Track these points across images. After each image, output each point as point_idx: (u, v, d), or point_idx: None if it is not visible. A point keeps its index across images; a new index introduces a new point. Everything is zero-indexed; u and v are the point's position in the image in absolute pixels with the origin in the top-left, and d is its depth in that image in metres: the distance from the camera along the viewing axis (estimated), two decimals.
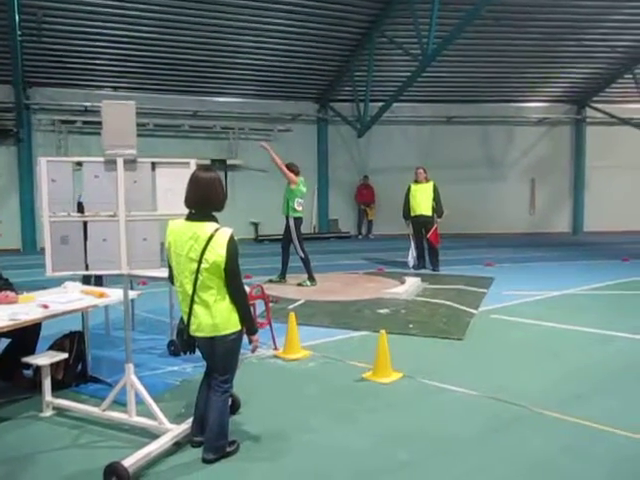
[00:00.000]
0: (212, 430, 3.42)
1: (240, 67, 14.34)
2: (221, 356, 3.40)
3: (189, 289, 3.30)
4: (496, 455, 3.53)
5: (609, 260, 11.77)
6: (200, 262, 3.22)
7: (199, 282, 3.25)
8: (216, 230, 3.25)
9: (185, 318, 3.39)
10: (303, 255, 8.88)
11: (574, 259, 12.06)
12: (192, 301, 3.30)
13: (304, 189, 9.01)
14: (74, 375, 4.66)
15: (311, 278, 8.87)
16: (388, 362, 4.86)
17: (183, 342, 3.51)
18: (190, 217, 3.33)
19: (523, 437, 3.77)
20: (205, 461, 3.42)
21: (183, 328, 3.44)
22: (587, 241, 15.71)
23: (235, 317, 3.32)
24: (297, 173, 8.94)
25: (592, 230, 17.36)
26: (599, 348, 5.76)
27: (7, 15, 10.49)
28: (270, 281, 8.91)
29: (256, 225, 15.70)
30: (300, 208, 8.93)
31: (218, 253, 3.20)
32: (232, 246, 3.23)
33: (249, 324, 3.42)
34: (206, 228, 3.25)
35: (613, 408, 4.20)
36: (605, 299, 8.09)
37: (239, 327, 3.35)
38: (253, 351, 3.58)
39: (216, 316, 3.28)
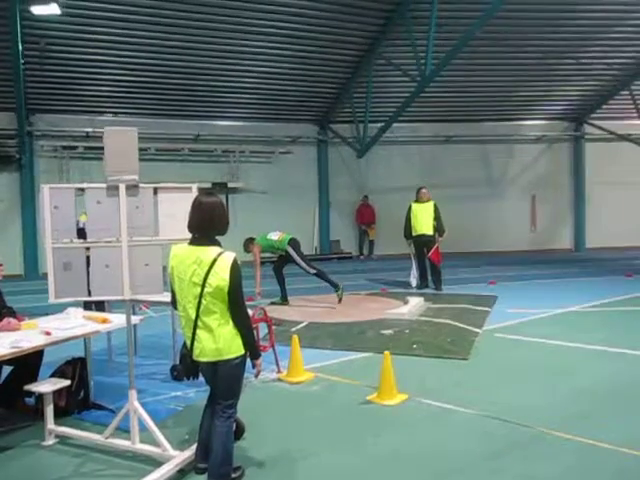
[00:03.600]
0: (217, 456, 3.37)
1: (240, 91, 14.48)
2: (225, 381, 3.37)
3: (192, 314, 3.28)
4: (501, 476, 3.49)
5: (612, 276, 11.74)
6: (203, 286, 3.21)
7: (202, 307, 3.24)
8: (219, 254, 3.24)
9: (188, 343, 3.36)
10: (315, 271, 8.92)
11: (577, 276, 12.03)
12: (195, 326, 3.28)
13: (267, 238, 9.09)
14: (76, 402, 4.63)
15: (335, 286, 8.89)
16: (393, 384, 4.82)
17: (187, 367, 3.47)
18: (193, 242, 3.33)
19: (529, 458, 3.72)
20: None
21: (186, 353, 3.42)
22: (589, 257, 15.67)
23: (238, 341, 3.30)
24: (252, 240, 9.10)
25: (594, 246, 17.33)
26: (604, 366, 5.71)
27: (10, 44, 10.64)
28: (272, 303, 8.90)
29: None
30: (276, 237, 9.01)
31: (221, 277, 3.19)
32: (235, 270, 3.22)
33: (252, 348, 3.40)
34: (209, 252, 3.24)
35: (619, 427, 4.15)
36: (609, 316, 8.05)
37: (242, 351, 3.32)
38: (256, 376, 3.57)
39: (219, 341, 3.25)
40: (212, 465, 3.40)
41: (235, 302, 3.26)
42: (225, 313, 3.26)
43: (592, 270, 12.85)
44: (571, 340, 6.56)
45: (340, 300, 8.81)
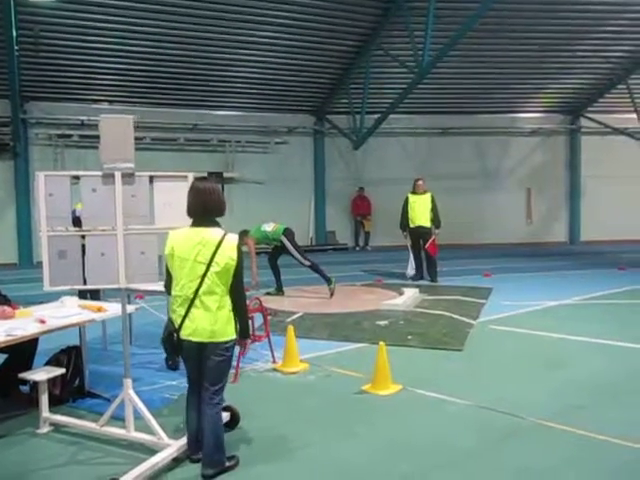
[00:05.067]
0: (208, 444, 3.40)
1: (237, 80, 14.41)
2: (215, 365, 3.39)
3: (191, 293, 3.32)
4: (497, 467, 3.51)
5: (606, 269, 11.79)
6: (209, 266, 3.29)
7: (205, 286, 3.31)
8: (224, 235, 3.36)
9: (178, 321, 3.37)
10: (309, 263, 8.91)
11: (571, 269, 12.08)
12: (191, 304, 3.33)
13: (260, 229, 9.06)
14: (71, 390, 4.63)
15: (328, 280, 8.87)
16: (387, 374, 4.84)
17: (171, 345, 3.44)
18: (195, 224, 3.41)
19: (524, 449, 3.74)
20: (204, 477, 3.39)
21: (172, 331, 3.40)
22: (584, 250, 15.73)
23: (232, 326, 3.39)
24: (245, 233, 8.86)
25: (589, 239, 17.40)
26: (599, 358, 5.75)
27: (4, 30, 10.52)
28: (267, 294, 8.90)
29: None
30: (270, 228, 8.99)
31: (229, 256, 3.32)
32: (240, 250, 3.39)
33: (246, 327, 3.55)
34: (214, 233, 3.36)
35: (615, 419, 4.18)
36: (603, 309, 8.09)
37: (234, 336, 3.41)
38: (243, 354, 3.74)
39: (216, 323, 3.32)
40: (205, 453, 3.42)
41: (239, 279, 3.41)
42: (224, 296, 3.35)
43: (587, 263, 12.90)
44: (565, 332, 6.59)
45: (332, 294, 8.79)
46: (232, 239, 3.36)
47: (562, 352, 5.98)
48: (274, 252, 9.23)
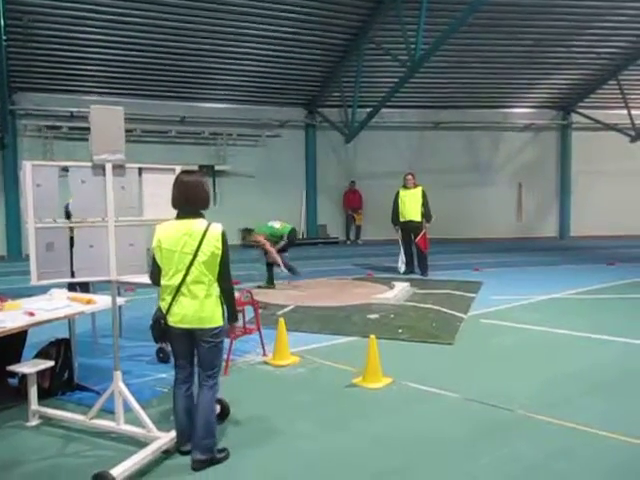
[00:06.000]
0: (199, 429, 3.44)
1: (228, 72, 14.33)
2: (206, 352, 3.48)
3: (179, 283, 3.39)
4: (487, 459, 3.53)
5: (595, 264, 11.87)
6: (195, 256, 3.35)
7: (192, 276, 3.38)
8: (209, 225, 3.42)
9: (165, 307, 3.44)
10: (285, 269, 9.04)
11: (561, 263, 12.16)
12: (178, 292, 3.39)
13: (268, 225, 9.14)
14: (60, 383, 4.60)
15: (271, 282, 9.08)
16: (378, 367, 4.85)
17: (159, 331, 3.52)
18: (180, 216, 3.47)
19: (513, 441, 3.77)
20: (194, 462, 3.40)
21: (160, 317, 3.48)
22: (573, 245, 15.84)
23: (219, 313, 3.46)
24: (249, 232, 9.25)
25: (578, 235, 17.51)
26: (587, 352, 5.79)
27: None
28: (259, 287, 8.89)
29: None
30: (278, 225, 9.11)
31: (215, 245, 3.39)
32: (225, 239, 3.45)
33: (233, 311, 3.62)
34: (199, 224, 3.42)
35: (603, 411, 4.22)
36: (592, 303, 8.15)
37: (222, 323, 3.48)
38: (233, 337, 3.88)
39: (204, 310, 3.40)
40: (196, 438, 3.45)
41: (226, 267, 3.47)
42: (212, 284, 3.43)
43: (576, 258, 12.99)
44: (555, 326, 6.63)
45: (261, 287, 8.89)
46: (217, 229, 3.42)
47: (552, 346, 6.02)
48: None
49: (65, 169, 3.65)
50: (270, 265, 9.11)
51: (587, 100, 17.20)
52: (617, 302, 8.17)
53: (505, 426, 4.01)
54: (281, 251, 9.08)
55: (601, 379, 4.97)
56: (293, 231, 9.15)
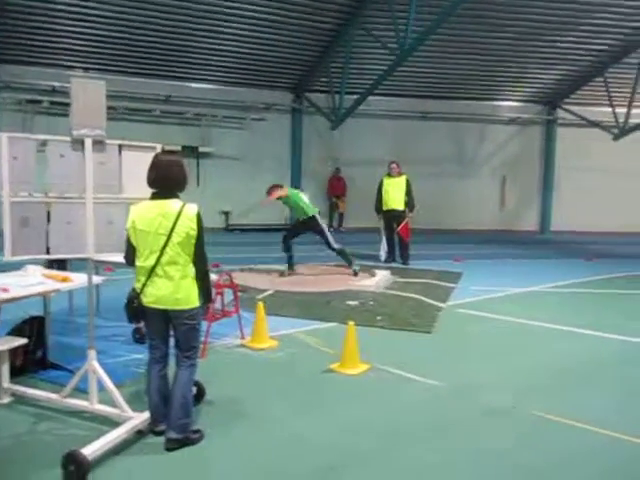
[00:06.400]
0: (175, 408, 3.43)
1: (215, 53, 14.14)
2: (183, 333, 3.47)
3: (153, 264, 3.36)
4: (459, 447, 3.56)
5: (574, 259, 12.02)
6: (169, 237, 3.32)
7: (167, 257, 3.34)
8: (183, 206, 3.38)
9: (139, 288, 3.42)
10: (339, 246, 8.83)
11: (541, 257, 12.29)
12: (152, 273, 3.37)
13: (299, 194, 8.95)
14: (34, 361, 4.54)
15: (350, 263, 8.82)
16: (355, 353, 4.86)
17: (133, 311, 3.50)
18: (155, 196, 3.43)
19: (486, 429, 3.81)
20: (168, 441, 3.39)
21: (134, 297, 3.46)
22: (553, 240, 16.01)
23: (195, 294, 3.42)
24: (281, 186, 8.87)
25: (559, 229, 17.71)
26: (562, 344, 5.87)
27: None
28: (282, 275, 8.72)
29: (227, 214, 15.57)
30: (306, 199, 8.86)
31: (190, 226, 3.35)
32: (200, 219, 3.40)
33: (208, 292, 3.59)
34: (173, 205, 3.38)
35: (574, 401, 4.28)
36: (570, 297, 8.26)
37: (198, 304, 3.45)
38: (207, 318, 3.76)
39: (180, 291, 3.37)
40: (172, 417, 3.43)
41: (201, 248, 3.44)
42: (187, 266, 3.40)
43: (555, 253, 13.14)
44: (532, 318, 6.71)
45: (356, 274, 8.67)
46: (191, 209, 3.38)
47: (528, 337, 6.09)
48: (295, 228, 9.10)
49: (44, 143, 3.56)
50: (290, 250, 8.90)
51: (573, 96, 17.32)
52: (594, 297, 8.29)
53: (479, 414, 4.05)
54: (292, 234, 8.91)
55: (573, 370, 5.04)
56: (314, 218, 8.73)
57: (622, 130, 16.55)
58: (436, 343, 5.79)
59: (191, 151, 14.89)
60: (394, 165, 10.74)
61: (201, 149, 15.29)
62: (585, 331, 6.27)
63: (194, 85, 15.29)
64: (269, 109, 16.16)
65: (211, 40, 13.54)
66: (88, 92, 3.44)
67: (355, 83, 14.82)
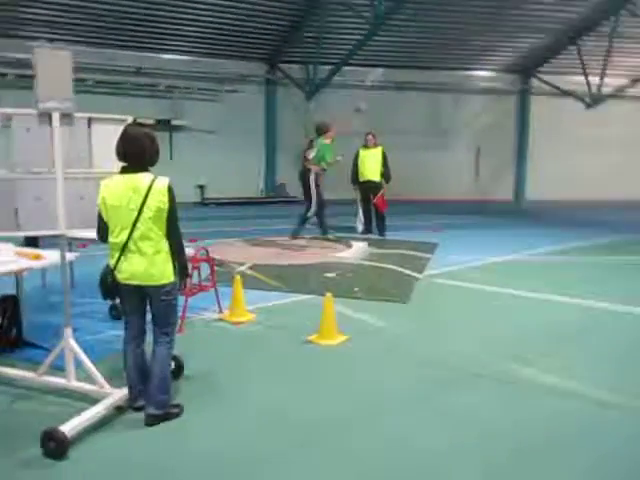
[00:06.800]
0: (154, 384, 3.43)
1: (188, 23, 13.78)
2: (159, 309, 3.45)
3: (126, 239, 3.31)
4: (436, 413, 3.64)
5: (549, 228, 12.20)
6: (140, 212, 3.26)
7: (139, 232, 3.29)
8: (153, 180, 3.31)
9: (113, 264, 3.39)
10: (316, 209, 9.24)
11: (515, 227, 12.45)
12: (125, 249, 3.32)
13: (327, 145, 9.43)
14: (8, 340, 4.48)
15: (324, 232, 9.30)
16: (333, 325, 4.90)
17: (108, 287, 3.48)
18: (125, 171, 3.35)
19: (464, 395, 3.89)
20: (148, 417, 3.40)
21: (108, 273, 3.44)
22: (528, 209, 16.21)
23: (170, 269, 3.39)
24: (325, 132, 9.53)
25: (533, 199, 17.93)
26: (538, 312, 5.98)
27: None
28: (326, 239, 9.19)
29: (202, 188, 15.41)
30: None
31: (161, 200, 3.29)
32: (171, 192, 3.34)
33: (184, 265, 3.57)
34: (144, 179, 3.31)
35: (555, 368, 4.35)
36: (545, 265, 8.41)
37: (173, 279, 3.42)
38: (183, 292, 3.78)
39: (153, 266, 3.34)
40: (150, 393, 3.43)
41: (174, 222, 3.39)
42: (160, 240, 3.35)
43: (530, 222, 13.32)
44: (508, 287, 6.81)
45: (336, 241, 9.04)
46: (162, 182, 3.31)
47: (505, 306, 6.20)
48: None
49: (9, 118, 3.45)
50: (322, 211, 9.21)
51: (547, 65, 17.37)
52: (568, 265, 8.45)
53: (456, 381, 4.13)
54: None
55: (552, 338, 5.15)
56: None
57: (595, 99, 16.69)
58: (413, 313, 5.86)
59: (164, 124, 14.61)
60: (370, 136, 10.70)
61: (174, 122, 15.01)
62: (564, 299, 6.35)
63: (166, 56, 14.93)
64: (243, 81, 15.90)
65: (183, 9, 13.17)
66: (52, 62, 3.34)
67: (330, 53, 14.63)
